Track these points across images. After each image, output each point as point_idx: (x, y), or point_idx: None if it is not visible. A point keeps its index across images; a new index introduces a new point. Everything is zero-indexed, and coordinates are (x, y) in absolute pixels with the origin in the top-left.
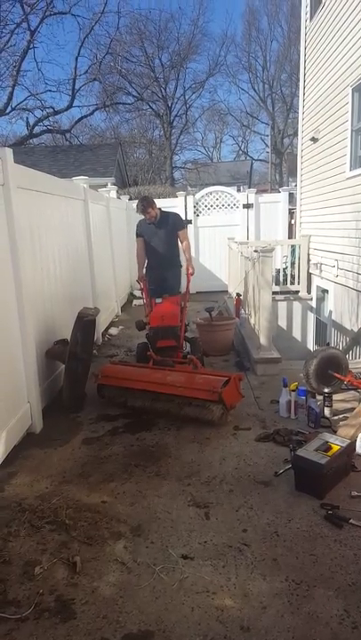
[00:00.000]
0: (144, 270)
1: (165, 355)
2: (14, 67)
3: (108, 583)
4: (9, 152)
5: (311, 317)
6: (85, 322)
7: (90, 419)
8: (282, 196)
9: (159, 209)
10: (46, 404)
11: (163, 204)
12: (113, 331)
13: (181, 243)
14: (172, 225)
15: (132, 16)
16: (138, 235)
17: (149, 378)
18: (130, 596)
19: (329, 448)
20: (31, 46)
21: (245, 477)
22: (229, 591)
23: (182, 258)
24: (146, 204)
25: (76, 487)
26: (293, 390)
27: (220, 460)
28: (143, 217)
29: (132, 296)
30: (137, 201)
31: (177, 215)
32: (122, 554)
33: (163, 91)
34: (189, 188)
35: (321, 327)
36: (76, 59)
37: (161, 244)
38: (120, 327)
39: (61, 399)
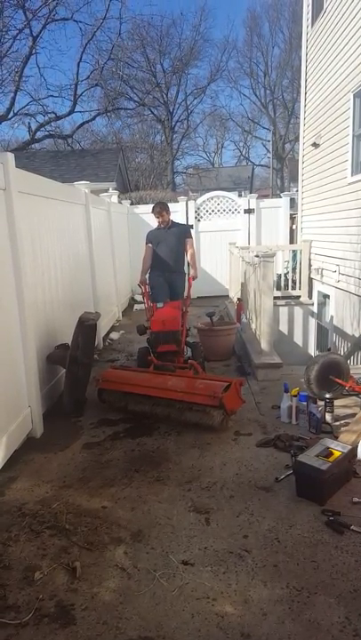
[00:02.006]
0: (147, 275)
1: (166, 359)
2: (16, 72)
3: (108, 589)
4: (10, 157)
5: (312, 322)
6: (86, 326)
7: (90, 423)
8: (283, 201)
9: (171, 220)
10: (47, 409)
11: None
12: (114, 335)
13: (187, 251)
14: (181, 233)
15: (134, 22)
16: (148, 241)
17: (150, 382)
18: (130, 601)
19: (330, 454)
20: (33, 52)
21: (246, 483)
22: (230, 597)
23: (186, 267)
24: (162, 207)
25: (77, 492)
26: (295, 396)
27: (220, 466)
28: (153, 224)
29: (133, 300)
30: (143, 204)
31: (187, 226)
32: (122, 559)
33: (164, 96)
34: (191, 193)
35: (322, 332)
36: (78, 64)
37: (169, 249)
38: (121, 332)
39: (62, 404)
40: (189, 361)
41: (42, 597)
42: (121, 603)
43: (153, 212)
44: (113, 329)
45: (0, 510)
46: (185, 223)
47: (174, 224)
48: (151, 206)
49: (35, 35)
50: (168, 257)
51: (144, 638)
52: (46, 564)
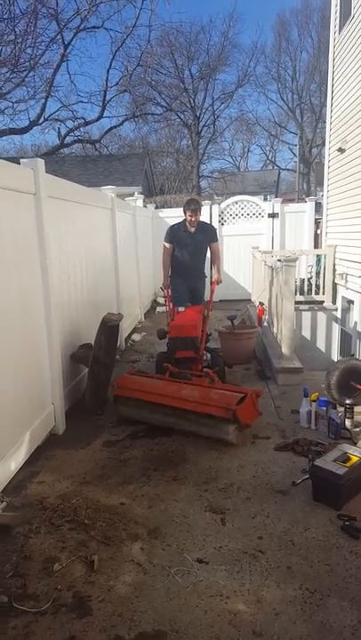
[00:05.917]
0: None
1: (184, 366)
2: (48, 80)
3: (124, 582)
4: (40, 163)
5: (336, 328)
6: (109, 327)
7: (111, 422)
8: (308, 206)
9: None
10: (69, 407)
11: None
12: (136, 337)
13: (214, 255)
14: (208, 237)
15: (163, 29)
16: (168, 240)
17: (164, 390)
18: (145, 595)
19: (348, 459)
20: (64, 60)
21: (263, 486)
22: (243, 596)
23: (208, 270)
24: (198, 205)
25: (96, 488)
26: (314, 401)
27: (237, 468)
28: (177, 222)
29: (155, 303)
30: (167, 208)
31: (213, 227)
32: (138, 555)
33: (191, 101)
34: (216, 197)
35: (346, 338)
36: (108, 71)
37: (193, 253)
38: (143, 333)
39: (84, 402)
40: (205, 370)
41: (60, 588)
42: (136, 596)
43: (187, 207)
44: (135, 330)
45: (22, 503)
46: (211, 224)
47: (200, 225)
48: (175, 209)
49: (66, 43)
50: (192, 264)
51: (157, 632)
52: (65, 557)
